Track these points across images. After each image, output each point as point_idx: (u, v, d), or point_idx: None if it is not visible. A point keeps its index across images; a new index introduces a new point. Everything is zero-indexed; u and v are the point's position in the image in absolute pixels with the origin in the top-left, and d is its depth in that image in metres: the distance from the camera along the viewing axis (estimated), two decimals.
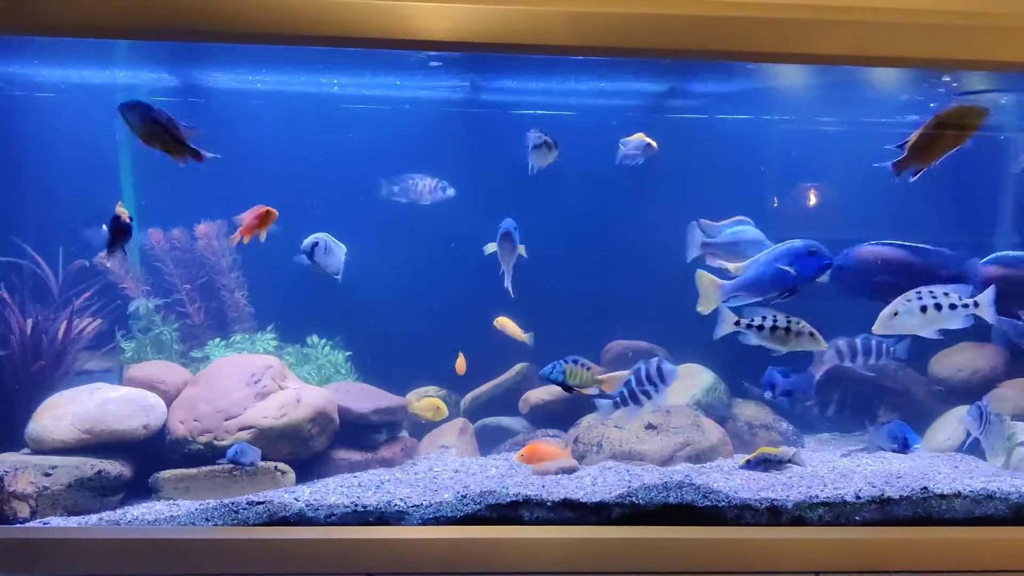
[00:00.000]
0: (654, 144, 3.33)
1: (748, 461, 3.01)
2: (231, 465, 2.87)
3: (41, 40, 2.78)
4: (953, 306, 2.85)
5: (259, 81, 3.48)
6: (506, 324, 3.60)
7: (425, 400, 3.29)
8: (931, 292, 2.86)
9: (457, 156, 3.74)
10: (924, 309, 2.84)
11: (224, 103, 3.64)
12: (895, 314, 2.85)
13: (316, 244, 3.10)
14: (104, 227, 2.71)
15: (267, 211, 2.94)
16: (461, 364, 3.59)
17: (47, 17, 2.39)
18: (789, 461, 2.98)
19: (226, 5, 2.40)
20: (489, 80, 3.54)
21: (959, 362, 3.66)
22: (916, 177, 2.66)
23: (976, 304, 2.85)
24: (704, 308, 2.97)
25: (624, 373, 2.99)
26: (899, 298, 2.86)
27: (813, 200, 3.93)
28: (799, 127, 3.93)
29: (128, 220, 2.69)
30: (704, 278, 2.98)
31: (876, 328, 2.90)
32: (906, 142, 2.66)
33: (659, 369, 2.92)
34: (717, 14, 2.50)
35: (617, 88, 3.59)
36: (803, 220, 3.96)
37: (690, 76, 3.41)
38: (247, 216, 2.94)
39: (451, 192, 3.45)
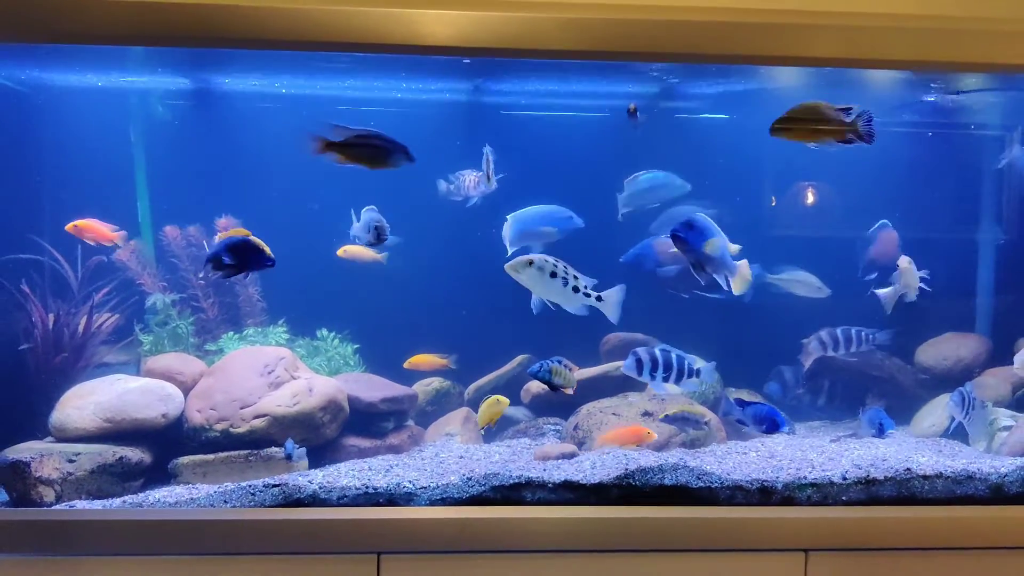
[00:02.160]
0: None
1: (667, 416, 3.21)
2: (247, 451, 3.01)
3: (59, 45, 2.88)
4: (576, 289, 2.90)
5: (272, 84, 3.60)
6: (420, 361, 3.71)
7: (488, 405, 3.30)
8: (565, 267, 2.91)
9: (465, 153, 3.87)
10: (553, 276, 2.89)
11: (236, 105, 3.76)
12: (529, 263, 2.88)
13: (379, 224, 3.12)
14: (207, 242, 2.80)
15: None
16: (419, 360, 3.71)
17: (67, 26, 2.51)
18: (705, 423, 3.19)
19: (241, 14, 2.52)
20: (491, 83, 3.67)
21: (944, 351, 3.79)
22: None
23: (600, 298, 2.94)
24: None
25: (618, 364, 3.16)
26: (541, 255, 2.91)
27: (809, 198, 4.04)
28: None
29: (259, 247, 2.81)
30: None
31: (506, 266, 2.93)
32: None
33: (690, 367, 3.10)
34: (706, 19, 2.62)
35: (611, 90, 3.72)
36: (796, 217, 4.09)
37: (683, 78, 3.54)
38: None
39: (494, 184, 3.44)
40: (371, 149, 2.76)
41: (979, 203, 4.01)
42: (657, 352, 3.08)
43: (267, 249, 2.81)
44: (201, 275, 3.41)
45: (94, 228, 3.40)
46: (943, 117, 3.89)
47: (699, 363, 3.12)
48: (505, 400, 3.27)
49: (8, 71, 3.33)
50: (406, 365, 3.71)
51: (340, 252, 3.60)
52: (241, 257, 2.81)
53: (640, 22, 2.59)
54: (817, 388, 3.83)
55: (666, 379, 3.08)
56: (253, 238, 2.82)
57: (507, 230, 3.42)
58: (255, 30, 2.53)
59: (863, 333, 3.43)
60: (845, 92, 3.52)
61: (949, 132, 4.02)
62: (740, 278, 3.01)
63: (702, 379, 3.16)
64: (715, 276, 2.99)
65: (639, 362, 3.06)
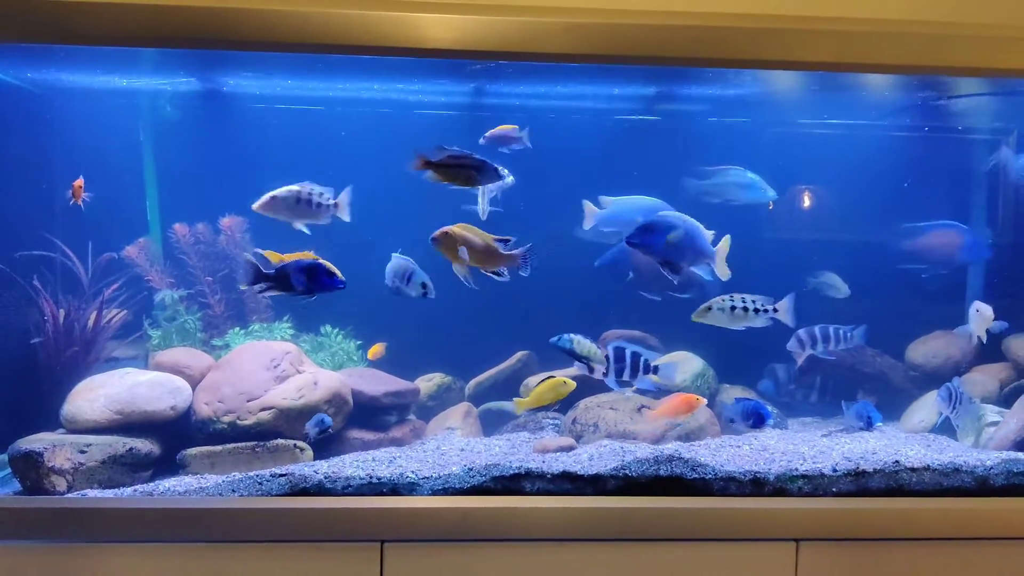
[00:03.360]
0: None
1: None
2: (254, 443, 3.08)
3: (69, 47, 2.95)
4: (756, 310, 3.19)
5: (277, 85, 3.67)
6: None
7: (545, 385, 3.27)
8: (741, 297, 3.20)
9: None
10: (733, 309, 3.16)
11: (242, 105, 3.84)
12: (709, 309, 3.18)
13: (412, 274, 3.21)
14: (248, 256, 2.87)
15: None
16: (375, 350, 3.75)
17: (78, 27, 2.57)
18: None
19: (247, 17, 2.58)
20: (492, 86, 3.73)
21: (933, 349, 3.88)
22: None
23: (775, 310, 3.21)
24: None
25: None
26: (716, 298, 3.20)
27: (806, 202, 4.11)
28: (786, 130, 4.13)
29: (330, 271, 2.89)
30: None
31: (694, 316, 3.20)
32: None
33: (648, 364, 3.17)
34: (702, 24, 2.69)
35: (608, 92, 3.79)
36: (792, 221, 4.16)
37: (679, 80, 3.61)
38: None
39: (511, 180, 3.46)
40: (464, 169, 2.89)
41: (969, 204, 4.09)
42: (610, 350, 3.16)
43: (338, 272, 2.89)
44: (244, 285, 3.34)
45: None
46: (933, 120, 3.97)
47: (664, 359, 3.18)
48: (572, 383, 3.24)
49: (21, 71, 3.40)
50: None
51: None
52: (313, 281, 2.89)
53: (637, 27, 2.66)
54: (809, 385, 3.91)
55: (620, 375, 3.18)
56: (323, 261, 2.89)
57: (593, 210, 3.51)
58: (261, 33, 2.59)
59: (841, 331, 3.53)
60: (837, 95, 3.64)
61: (940, 135, 4.10)
62: (722, 263, 3.12)
63: (661, 376, 3.23)
64: (695, 269, 3.08)
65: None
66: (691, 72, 3.33)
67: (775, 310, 3.21)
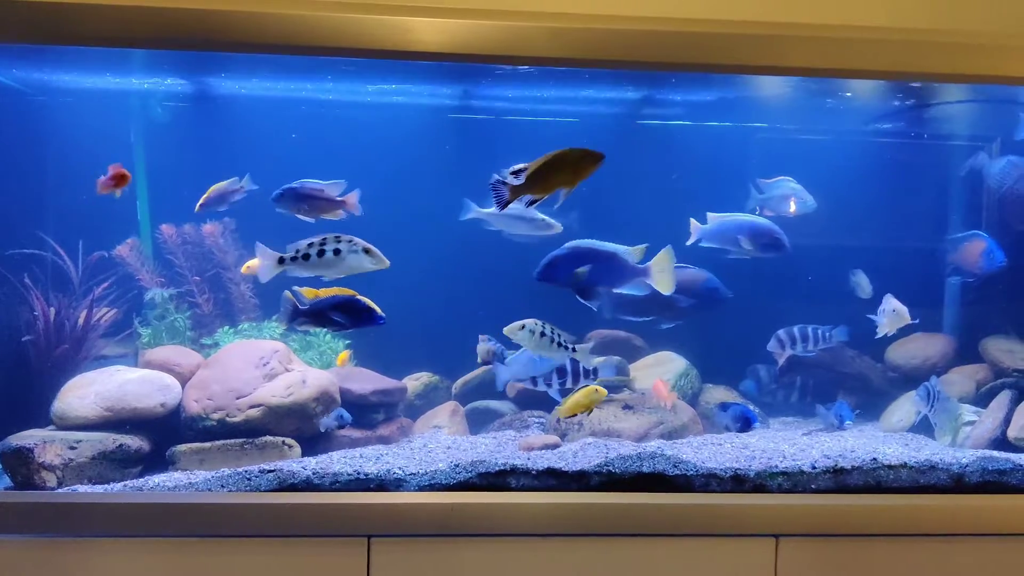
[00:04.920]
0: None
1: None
2: (243, 439, 3.12)
3: (61, 48, 2.97)
4: (560, 344, 3.21)
5: (264, 87, 3.71)
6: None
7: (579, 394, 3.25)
8: (552, 328, 3.21)
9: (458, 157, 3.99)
10: (542, 335, 3.18)
11: (230, 107, 3.87)
12: (522, 327, 3.18)
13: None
14: (287, 294, 2.97)
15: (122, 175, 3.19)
16: (342, 358, 3.78)
17: (72, 28, 2.60)
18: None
19: (238, 19, 2.62)
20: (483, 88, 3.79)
21: (912, 350, 3.95)
22: (531, 206, 2.81)
23: (575, 350, 3.25)
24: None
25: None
26: (531, 319, 3.18)
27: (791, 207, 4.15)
28: (773, 135, 4.20)
29: (366, 304, 2.97)
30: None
31: (506, 330, 3.20)
32: (524, 169, 2.73)
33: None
34: (686, 30, 2.75)
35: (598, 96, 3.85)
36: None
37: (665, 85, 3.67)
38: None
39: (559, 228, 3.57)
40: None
41: (945, 209, 4.17)
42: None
43: (377, 308, 2.96)
44: (283, 322, 3.28)
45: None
46: (912, 126, 4.05)
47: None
48: (604, 391, 3.26)
49: (10, 71, 3.42)
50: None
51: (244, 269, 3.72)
52: (352, 316, 2.96)
53: (628, 32, 2.72)
54: (790, 385, 3.98)
55: (563, 384, 3.30)
56: (361, 297, 2.96)
57: (697, 226, 3.55)
58: (253, 35, 2.63)
59: (820, 331, 3.61)
60: (823, 100, 3.70)
61: (918, 141, 4.18)
62: (659, 277, 3.15)
63: (602, 375, 3.33)
64: (628, 290, 3.15)
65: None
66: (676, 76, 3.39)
67: (574, 350, 3.22)
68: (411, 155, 3.96)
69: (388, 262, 2.97)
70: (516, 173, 2.72)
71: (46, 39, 2.70)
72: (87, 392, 3.14)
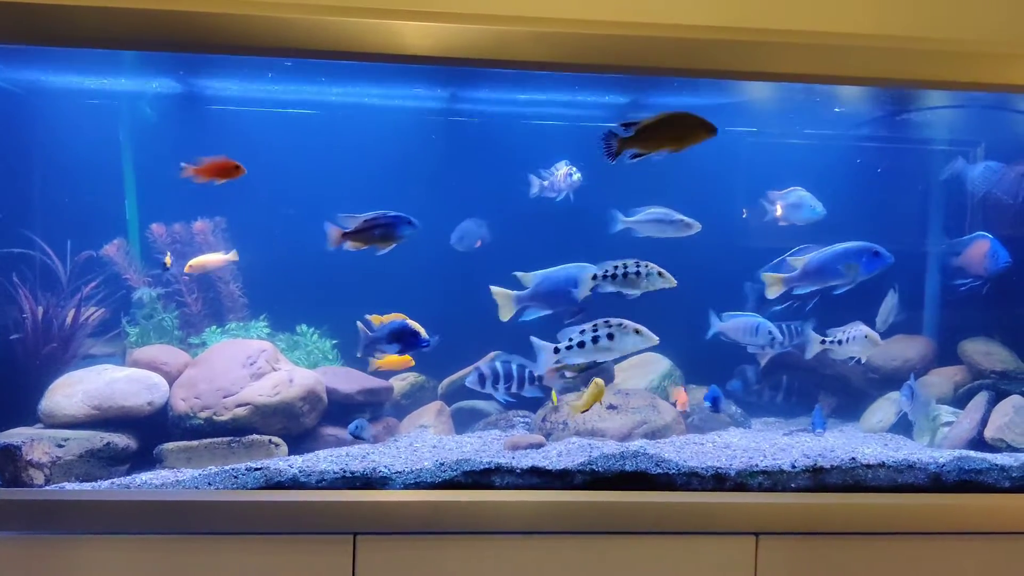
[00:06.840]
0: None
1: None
2: (230, 438, 3.14)
3: (52, 48, 2.97)
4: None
5: (256, 89, 3.73)
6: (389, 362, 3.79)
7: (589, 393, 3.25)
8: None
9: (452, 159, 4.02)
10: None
11: (220, 109, 3.89)
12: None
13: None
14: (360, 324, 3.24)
15: (235, 166, 3.20)
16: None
17: (63, 29, 2.63)
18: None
19: (228, 22, 2.65)
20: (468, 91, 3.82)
21: (892, 352, 4.00)
22: (634, 159, 2.80)
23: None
24: (504, 316, 3.30)
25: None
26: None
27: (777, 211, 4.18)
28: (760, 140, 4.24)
29: (416, 330, 3.26)
30: (498, 291, 3.31)
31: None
32: (636, 123, 2.78)
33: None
34: (675, 35, 2.79)
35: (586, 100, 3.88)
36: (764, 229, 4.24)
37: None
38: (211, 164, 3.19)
39: (578, 177, 3.56)
40: (381, 228, 3.13)
41: (926, 213, 4.23)
42: (498, 365, 3.33)
43: (423, 331, 3.26)
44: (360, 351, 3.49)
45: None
46: (894, 132, 4.10)
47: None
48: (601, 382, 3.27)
49: (1, 72, 3.44)
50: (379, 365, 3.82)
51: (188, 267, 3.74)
52: (402, 340, 3.28)
53: (612, 37, 2.75)
54: (773, 385, 4.02)
55: (508, 390, 3.35)
56: (410, 322, 3.27)
57: (799, 260, 3.52)
58: (245, 38, 2.65)
59: (792, 326, 3.66)
60: (811, 104, 3.74)
61: (901, 147, 4.23)
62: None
63: (546, 383, 3.38)
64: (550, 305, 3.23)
65: (481, 376, 3.36)
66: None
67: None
68: (396, 158, 3.99)
69: (675, 281, 3.13)
70: (627, 126, 2.75)
71: (35, 40, 2.71)
72: (75, 390, 3.16)
